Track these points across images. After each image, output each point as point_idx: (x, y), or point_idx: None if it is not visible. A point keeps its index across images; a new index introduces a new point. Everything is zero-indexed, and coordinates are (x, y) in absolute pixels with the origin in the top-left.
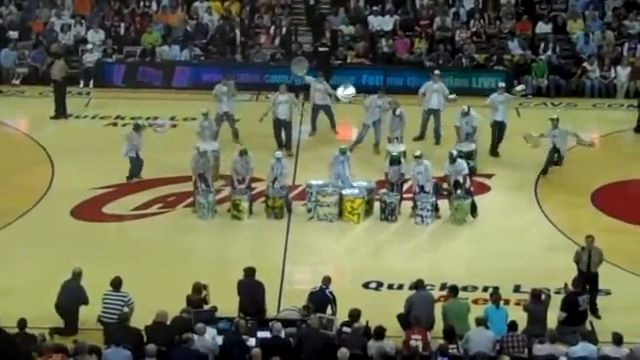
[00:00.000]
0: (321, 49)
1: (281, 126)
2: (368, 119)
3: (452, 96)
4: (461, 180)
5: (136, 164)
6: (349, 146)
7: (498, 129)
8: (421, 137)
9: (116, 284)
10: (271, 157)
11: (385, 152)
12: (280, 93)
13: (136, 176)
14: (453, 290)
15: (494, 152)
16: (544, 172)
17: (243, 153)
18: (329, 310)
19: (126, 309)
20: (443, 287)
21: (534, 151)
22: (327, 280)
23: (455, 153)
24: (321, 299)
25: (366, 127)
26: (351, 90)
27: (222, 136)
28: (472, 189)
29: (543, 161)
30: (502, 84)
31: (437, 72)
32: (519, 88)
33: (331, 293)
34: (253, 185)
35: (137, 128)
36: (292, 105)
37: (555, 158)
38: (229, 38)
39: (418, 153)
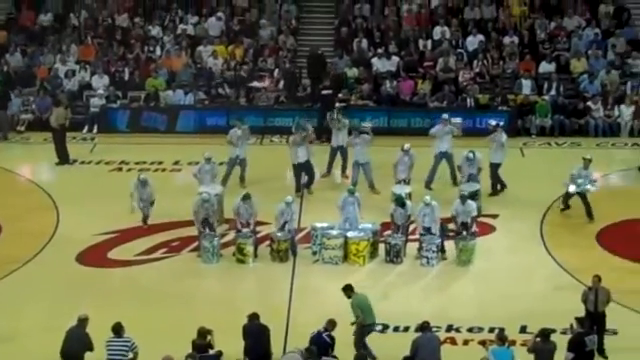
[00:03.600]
0: (324, 92)
1: (302, 170)
2: (356, 157)
3: (457, 120)
4: (469, 222)
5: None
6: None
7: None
8: (430, 182)
9: (117, 330)
10: (279, 202)
11: (391, 194)
12: (295, 134)
13: (143, 221)
14: (348, 288)
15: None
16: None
17: (246, 197)
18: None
19: (130, 354)
20: (449, 329)
21: (538, 191)
22: (331, 323)
23: (467, 194)
24: (320, 343)
25: (355, 167)
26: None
27: (231, 180)
28: (477, 231)
29: (552, 201)
30: (495, 122)
31: (445, 116)
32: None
33: (329, 336)
34: (258, 228)
35: (141, 181)
36: (308, 144)
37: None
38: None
39: (428, 200)
